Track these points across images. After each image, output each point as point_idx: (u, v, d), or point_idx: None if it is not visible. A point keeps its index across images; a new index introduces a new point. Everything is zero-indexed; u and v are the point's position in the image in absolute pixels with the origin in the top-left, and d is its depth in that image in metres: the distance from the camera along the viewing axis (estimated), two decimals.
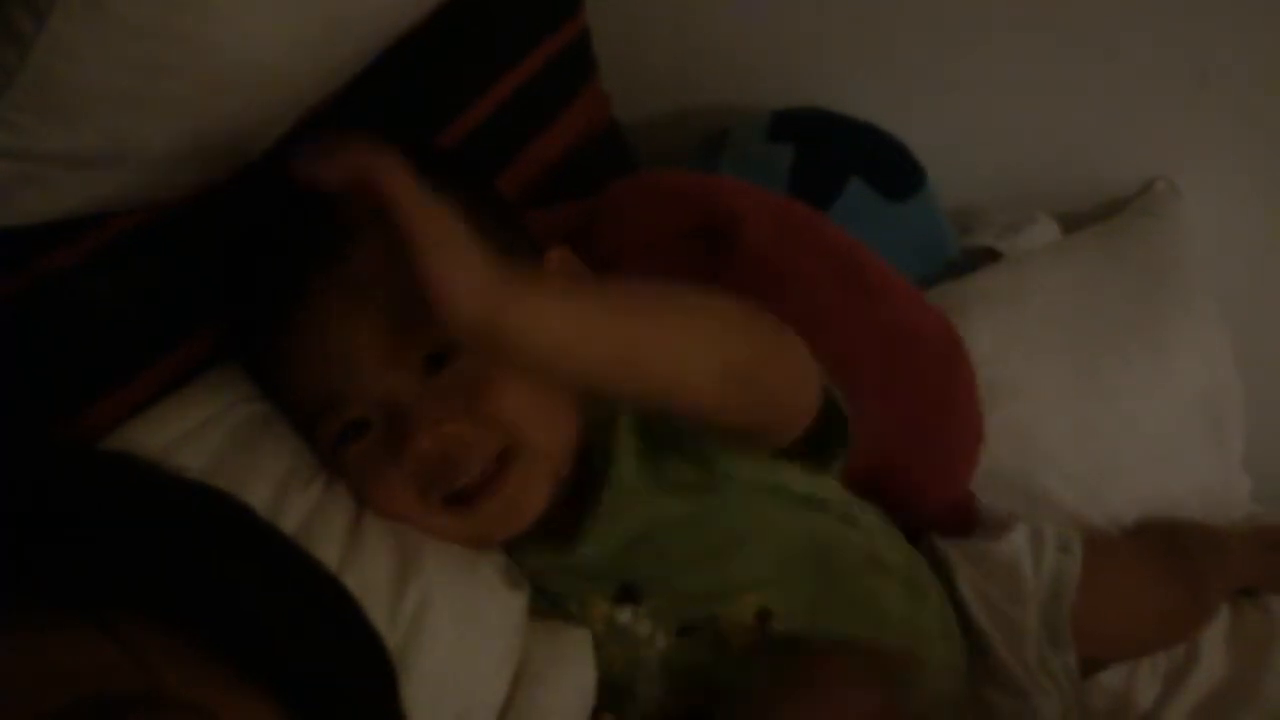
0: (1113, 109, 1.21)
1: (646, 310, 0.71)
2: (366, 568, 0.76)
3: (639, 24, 1.17)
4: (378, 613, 0.69)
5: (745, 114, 1.18)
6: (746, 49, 1.22)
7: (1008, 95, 1.22)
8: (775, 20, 1.20)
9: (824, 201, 1.09)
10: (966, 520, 0.99)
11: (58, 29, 0.67)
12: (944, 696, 0.85)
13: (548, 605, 0.84)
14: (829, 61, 1.22)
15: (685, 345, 0.72)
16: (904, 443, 0.94)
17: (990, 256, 1.19)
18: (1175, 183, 1.24)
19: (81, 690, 0.42)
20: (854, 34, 1.21)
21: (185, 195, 0.81)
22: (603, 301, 0.70)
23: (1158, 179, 1.24)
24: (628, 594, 0.83)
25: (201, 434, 0.77)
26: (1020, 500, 1.03)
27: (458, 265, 0.63)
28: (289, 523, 0.75)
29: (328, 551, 0.75)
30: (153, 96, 0.72)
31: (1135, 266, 1.16)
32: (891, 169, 1.15)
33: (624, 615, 0.83)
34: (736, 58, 1.23)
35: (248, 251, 0.81)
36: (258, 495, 0.75)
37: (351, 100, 0.88)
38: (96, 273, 0.77)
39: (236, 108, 0.77)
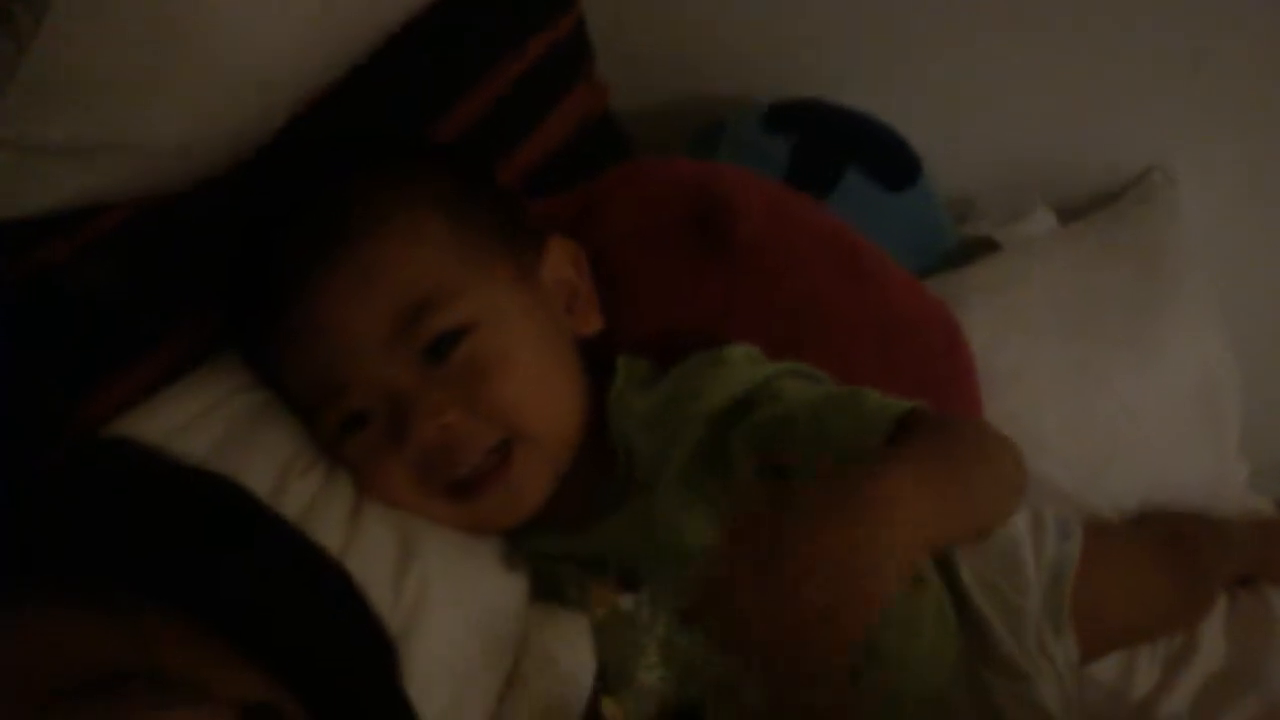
0: (1109, 98, 1.21)
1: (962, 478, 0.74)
2: (367, 553, 0.76)
3: (635, 14, 1.17)
4: (379, 597, 0.69)
5: (742, 105, 1.18)
6: (743, 40, 1.22)
7: (1004, 85, 1.22)
8: (773, 11, 1.20)
9: (822, 192, 1.09)
10: None
11: (57, 21, 0.67)
12: (931, 684, 0.85)
13: (547, 590, 0.84)
14: (826, 52, 1.22)
15: (991, 500, 0.77)
16: None
17: (987, 246, 1.19)
18: (1171, 171, 1.23)
19: (84, 668, 0.42)
20: (851, 25, 1.21)
21: (185, 186, 0.81)
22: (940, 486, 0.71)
23: (1153, 167, 1.24)
24: (630, 581, 0.83)
25: (202, 422, 0.78)
26: None
27: None
28: (290, 509, 0.76)
29: (329, 537, 0.75)
30: (152, 88, 0.73)
31: (1132, 255, 1.16)
32: (889, 159, 1.15)
33: (625, 601, 0.83)
34: (733, 49, 1.23)
35: (250, 239, 0.81)
36: (259, 482, 0.75)
37: (350, 90, 0.88)
38: (96, 263, 0.78)
39: (235, 98, 0.77)
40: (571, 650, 0.81)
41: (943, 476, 0.71)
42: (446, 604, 0.76)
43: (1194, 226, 1.19)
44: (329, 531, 0.75)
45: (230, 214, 0.82)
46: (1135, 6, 1.16)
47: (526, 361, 0.81)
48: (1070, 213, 1.23)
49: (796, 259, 0.92)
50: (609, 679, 0.82)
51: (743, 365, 0.85)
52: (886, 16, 1.20)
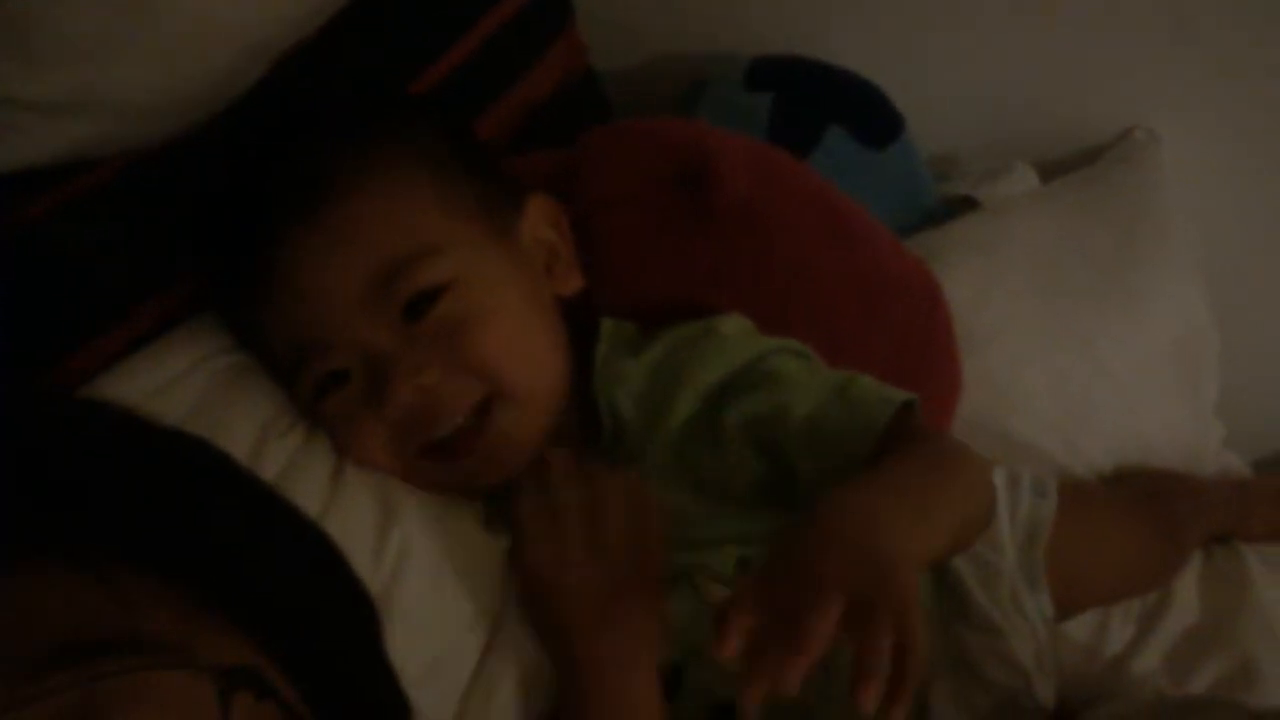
0: (1092, 56, 1.21)
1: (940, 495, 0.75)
2: (348, 515, 0.76)
3: None
4: (359, 559, 0.70)
5: (723, 62, 1.17)
6: None
7: (986, 42, 1.21)
8: None
9: (803, 150, 1.08)
10: None
11: None
12: None
13: None
14: (807, 9, 1.21)
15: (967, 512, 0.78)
16: None
17: (968, 205, 1.19)
18: (1154, 130, 1.23)
19: (66, 634, 0.42)
20: None
21: (162, 142, 0.80)
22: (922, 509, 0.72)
23: (1136, 127, 1.24)
24: None
25: (180, 383, 0.78)
26: (996, 447, 1.03)
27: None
28: (268, 471, 0.75)
29: (309, 499, 0.75)
30: (127, 42, 0.72)
31: (1113, 214, 1.16)
32: (870, 117, 1.14)
33: None
34: (714, 5, 1.22)
35: (225, 199, 0.80)
36: (237, 444, 0.75)
37: (326, 45, 0.87)
38: (74, 222, 0.77)
39: (212, 52, 0.76)
40: None
41: (916, 495, 0.73)
42: (427, 566, 0.76)
43: (1176, 186, 1.19)
44: (309, 494, 0.75)
45: (209, 171, 0.81)
46: None
47: (506, 316, 0.80)
48: (1052, 172, 1.23)
49: (783, 222, 0.91)
50: None
51: (737, 339, 0.85)
52: None
